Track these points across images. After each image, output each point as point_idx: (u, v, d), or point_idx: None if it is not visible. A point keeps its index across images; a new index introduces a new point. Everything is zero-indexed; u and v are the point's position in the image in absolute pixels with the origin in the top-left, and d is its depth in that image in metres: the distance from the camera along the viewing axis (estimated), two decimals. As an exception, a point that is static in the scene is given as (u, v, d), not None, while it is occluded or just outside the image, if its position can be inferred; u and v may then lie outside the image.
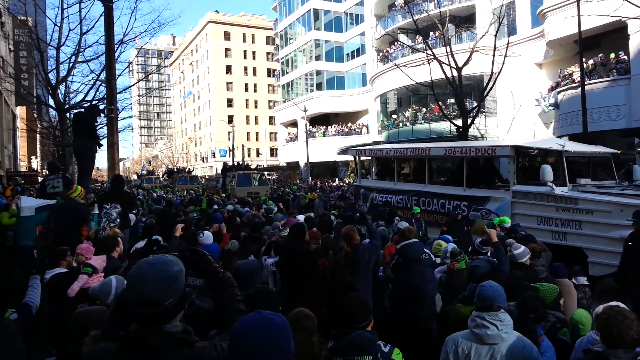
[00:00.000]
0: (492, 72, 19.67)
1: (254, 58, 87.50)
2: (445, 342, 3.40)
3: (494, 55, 19.46)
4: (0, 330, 2.99)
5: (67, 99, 25.96)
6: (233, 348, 1.72)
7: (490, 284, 3.42)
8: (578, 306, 5.10)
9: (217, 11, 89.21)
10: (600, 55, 22.16)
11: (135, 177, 72.57)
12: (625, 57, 21.21)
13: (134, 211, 10.38)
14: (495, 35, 19.87)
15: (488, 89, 20.48)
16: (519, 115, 28.47)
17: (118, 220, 7.05)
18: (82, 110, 12.34)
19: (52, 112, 33.97)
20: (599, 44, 23.45)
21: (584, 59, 18.14)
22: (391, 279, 5.43)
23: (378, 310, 5.24)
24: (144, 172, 56.69)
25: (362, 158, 16.35)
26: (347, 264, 5.39)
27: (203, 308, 3.49)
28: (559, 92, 23.95)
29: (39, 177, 42.71)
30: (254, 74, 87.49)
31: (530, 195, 9.54)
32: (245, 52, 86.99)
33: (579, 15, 16.30)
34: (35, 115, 47.81)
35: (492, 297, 3.24)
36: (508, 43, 20.30)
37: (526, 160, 10.89)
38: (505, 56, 19.43)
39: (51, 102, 25.89)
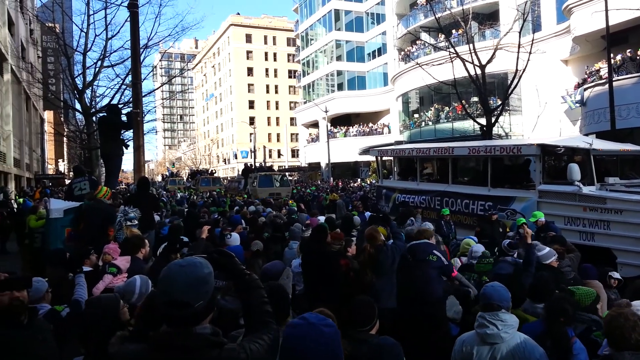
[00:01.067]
0: (516, 70, 19.32)
1: (275, 60, 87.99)
2: (455, 342, 3.45)
3: (518, 52, 19.11)
4: (35, 329, 3.08)
5: (93, 103, 26.53)
6: (284, 355, 1.73)
7: (493, 284, 3.41)
8: (608, 307, 4.96)
9: (238, 13, 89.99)
10: (628, 50, 21.60)
11: (160, 178, 73.68)
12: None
13: (158, 213, 10.55)
14: (520, 32, 19.53)
15: (512, 86, 20.14)
16: (545, 113, 27.94)
17: (135, 220, 7.13)
18: (104, 113, 12.56)
19: (79, 116, 34.78)
20: (627, 39, 22.88)
21: (611, 55, 17.69)
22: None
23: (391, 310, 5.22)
24: (169, 173, 57.53)
25: (384, 158, 16.23)
26: (370, 265, 5.37)
27: (227, 308, 3.50)
28: (585, 89, 23.43)
29: (66, 180, 43.74)
30: (275, 76, 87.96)
31: (557, 194, 9.30)
32: (266, 54, 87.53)
33: (606, 10, 15.90)
34: (62, 119, 49.02)
35: (491, 296, 3.24)
36: (533, 40, 19.93)
37: (552, 159, 10.64)
38: (530, 53, 19.07)
39: (78, 106, 26.50)
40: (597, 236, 8.59)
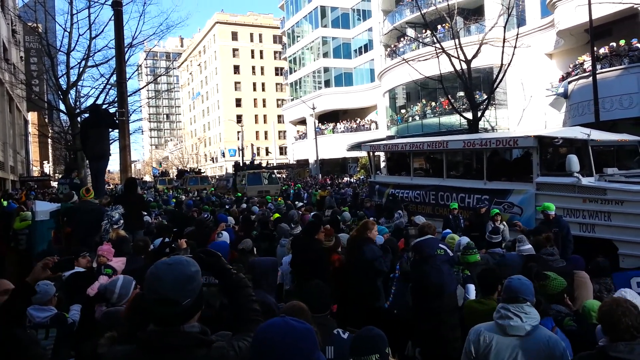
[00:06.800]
0: (501, 64, 19.46)
1: (261, 57, 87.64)
2: (469, 332, 3.38)
3: (503, 46, 19.24)
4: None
5: (77, 103, 26.21)
6: (254, 351, 1.72)
7: (519, 277, 3.39)
8: (598, 300, 5.02)
9: (222, 10, 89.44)
10: (611, 43, 21.86)
11: (148, 178, 73.14)
12: (639, 45, 20.85)
13: (146, 213, 10.47)
14: (505, 27, 19.66)
15: (498, 81, 20.27)
16: (530, 106, 28.15)
17: (121, 221, 7.10)
18: (88, 114, 12.45)
19: (63, 117, 34.33)
20: (610, 32, 23.13)
21: (595, 48, 17.88)
22: (408, 275, 5.43)
23: (398, 305, 5.24)
24: (157, 173, 57.15)
25: (375, 154, 16.13)
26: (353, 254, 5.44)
27: (228, 305, 3.49)
28: (569, 82, 23.66)
29: (51, 182, 43.23)
30: (262, 73, 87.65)
31: (555, 186, 9.15)
32: (252, 51, 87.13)
33: (589, 4, 16.05)
34: (46, 120, 48.38)
35: (518, 290, 3.20)
36: (517, 34, 20.06)
37: (549, 150, 10.58)
38: (515, 47, 19.20)
39: (62, 107, 26.15)
40: (597, 228, 8.46)
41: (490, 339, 3.18)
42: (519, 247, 5.55)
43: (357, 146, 17.38)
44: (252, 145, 70.14)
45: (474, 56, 19.92)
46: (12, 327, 2.95)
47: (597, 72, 17.43)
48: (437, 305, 4.57)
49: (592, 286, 5.30)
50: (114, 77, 19.93)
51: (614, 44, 21.62)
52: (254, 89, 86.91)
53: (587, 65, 21.70)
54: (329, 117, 53.78)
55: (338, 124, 51.87)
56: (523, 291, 3.20)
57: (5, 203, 14.51)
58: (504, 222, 9.12)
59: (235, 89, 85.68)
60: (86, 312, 3.71)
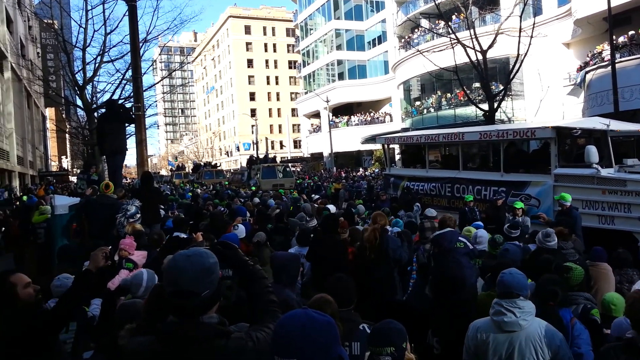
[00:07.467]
0: (518, 54, 19.18)
1: (274, 51, 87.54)
2: (469, 328, 3.36)
3: (519, 36, 18.94)
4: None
5: (94, 98, 26.49)
6: (274, 343, 1.72)
7: (511, 271, 3.32)
8: (619, 292, 4.95)
9: (235, 4, 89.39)
10: (630, 32, 21.38)
11: (165, 172, 73.91)
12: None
13: (163, 207, 10.57)
14: (521, 16, 19.35)
15: (514, 71, 20.00)
16: (547, 97, 27.75)
17: (138, 215, 7.14)
18: (104, 109, 12.59)
19: (80, 112, 34.77)
20: (629, 20, 22.64)
21: (614, 36, 17.50)
22: (424, 267, 5.41)
23: (419, 298, 5.22)
24: (174, 167, 57.63)
25: (390, 146, 16.06)
26: (372, 246, 5.43)
27: (244, 298, 3.50)
28: (587, 72, 23.23)
29: (69, 176, 43.89)
30: (275, 67, 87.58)
31: (573, 178, 8.98)
32: (266, 45, 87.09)
33: (608, -9, 15.72)
34: (64, 115, 49.11)
35: (510, 284, 3.15)
36: (534, 23, 19.74)
37: (568, 141, 10.38)
38: (532, 37, 18.90)
39: (79, 102, 26.47)
40: (617, 219, 8.30)
41: (486, 335, 3.16)
42: (546, 241, 5.46)
43: (371, 139, 17.27)
44: (266, 138, 70.28)
45: (490, 46, 19.66)
46: (69, 320, 2.98)
47: (616, 61, 17.07)
48: (457, 298, 4.55)
49: (613, 278, 5.24)
50: (130, 73, 20.10)
51: (634, 32, 21.14)
52: (268, 83, 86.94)
53: (606, 54, 21.26)
54: (343, 110, 53.60)
55: (352, 116, 51.71)
56: (515, 286, 3.14)
57: (25, 198, 14.80)
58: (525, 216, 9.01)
59: (249, 83, 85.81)
60: (107, 306, 3.74)
